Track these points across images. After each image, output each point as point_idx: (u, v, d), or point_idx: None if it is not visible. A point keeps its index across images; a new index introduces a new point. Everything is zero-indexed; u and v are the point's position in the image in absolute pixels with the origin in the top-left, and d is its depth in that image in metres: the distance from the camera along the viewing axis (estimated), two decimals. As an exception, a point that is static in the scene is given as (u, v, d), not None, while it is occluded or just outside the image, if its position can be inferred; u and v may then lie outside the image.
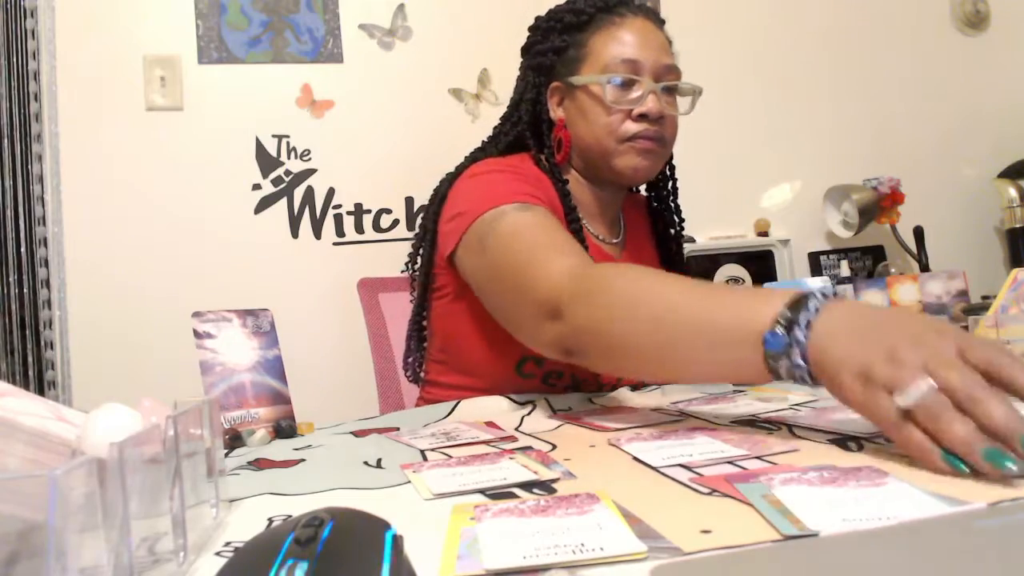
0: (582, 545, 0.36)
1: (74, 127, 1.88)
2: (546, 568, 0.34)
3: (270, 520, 0.47)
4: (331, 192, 2.04)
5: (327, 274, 2.00)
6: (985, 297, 1.75)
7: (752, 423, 0.66)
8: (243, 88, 1.99)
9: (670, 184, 1.13)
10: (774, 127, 2.35)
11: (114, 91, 1.91)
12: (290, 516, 0.44)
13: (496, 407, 0.89)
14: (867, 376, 0.49)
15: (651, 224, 1.18)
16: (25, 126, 1.84)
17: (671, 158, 1.10)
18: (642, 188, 1.17)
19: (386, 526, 0.31)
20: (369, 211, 2.06)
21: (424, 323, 1.07)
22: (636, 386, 1.00)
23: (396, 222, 2.08)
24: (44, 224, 1.84)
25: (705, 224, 2.21)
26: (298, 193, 2.02)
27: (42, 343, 1.82)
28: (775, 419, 0.67)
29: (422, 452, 0.66)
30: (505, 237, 0.84)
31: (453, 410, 0.90)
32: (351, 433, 0.81)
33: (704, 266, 2.15)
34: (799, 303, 0.55)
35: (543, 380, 0.96)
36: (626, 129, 0.96)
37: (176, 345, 1.70)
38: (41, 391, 1.77)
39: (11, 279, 1.80)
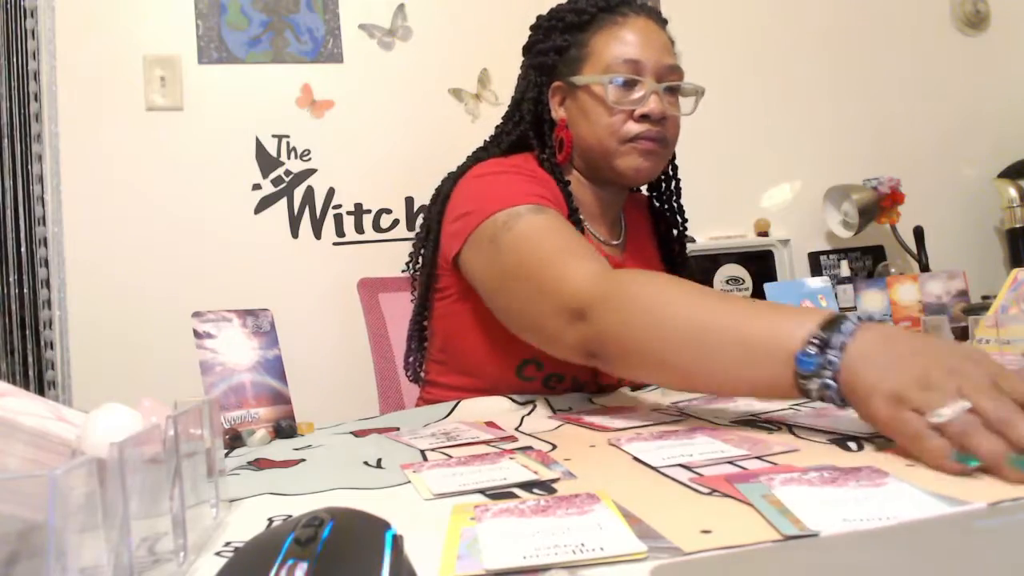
0: (582, 545, 0.36)
1: (74, 127, 1.88)
2: (546, 568, 0.34)
3: (270, 520, 0.47)
4: (331, 192, 2.04)
5: (327, 274, 2.00)
6: (985, 297, 1.75)
7: (752, 423, 0.66)
8: (243, 88, 2.00)
9: (672, 184, 1.12)
10: (774, 127, 2.35)
11: (114, 91, 1.91)
12: (290, 516, 0.44)
13: (496, 407, 0.89)
14: (899, 399, 0.49)
15: (652, 224, 1.17)
16: (25, 126, 1.84)
17: (673, 158, 1.09)
18: (643, 188, 1.17)
19: (386, 526, 0.31)
20: (369, 211, 2.06)
21: (425, 323, 1.07)
22: (636, 386, 1.00)
23: (396, 222, 2.08)
24: (44, 224, 1.84)
25: (705, 224, 2.21)
26: (298, 193, 2.02)
27: (42, 343, 1.82)
28: (775, 419, 0.67)
29: (422, 452, 0.66)
30: (522, 238, 0.84)
31: (453, 410, 0.90)
32: (351, 433, 0.81)
33: (704, 266, 2.15)
34: (833, 324, 0.56)
35: (543, 383, 0.96)
36: (628, 130, 0.96)
37: (176, 345, 1.70)
38: (41, 391, 1.77)
39: (11, 279, 1.80)
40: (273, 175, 2.01)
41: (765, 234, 2.27)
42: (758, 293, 2.09)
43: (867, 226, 2.22)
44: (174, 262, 1.91)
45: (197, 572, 0.38)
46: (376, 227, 2.06)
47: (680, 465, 0.52)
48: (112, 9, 1.92)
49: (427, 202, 1.07)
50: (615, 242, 1.08)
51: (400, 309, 1.40)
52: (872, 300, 1.71)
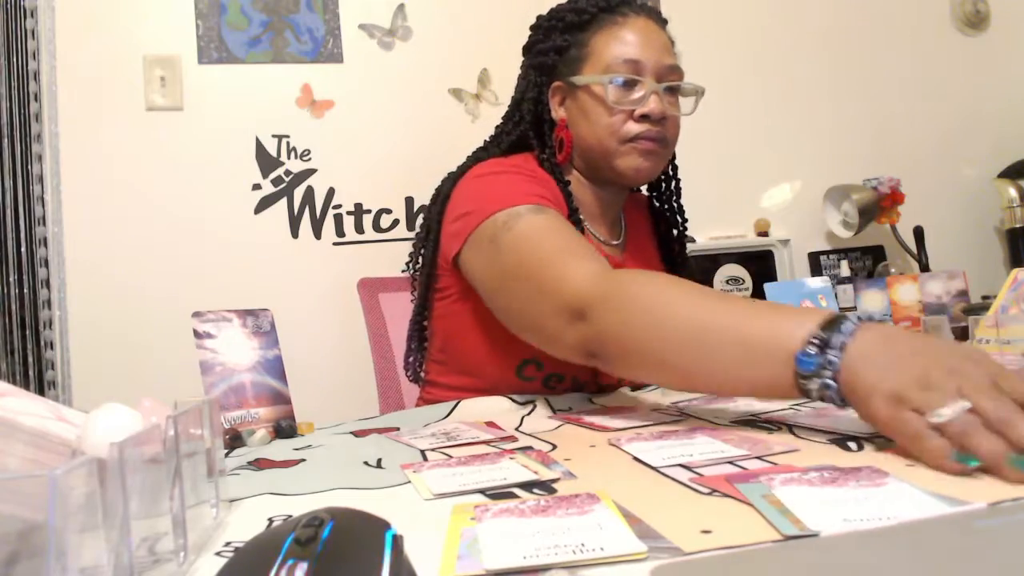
0: (582, 545, 0.36)
1: (74, 127, 1.88)
2: (546, 568, 0.34)
3: (270, 520, 0.47)
4: (331, 192, 2.04)
5: (327, 274, 2.00)
6: (985, 297, 1.75)
7: (752, 423, 0.66)
8: (243, 88, 2.00)
9: (672, 184, 1.12)
10: (774, 127, 2.35)
11: (114, 91, 1.91)
12: (290, 516, 0.44)
13: (496, 407, 0.89)
14: (899, 399, 0.49)
15: (652, 224, 1.17)
16: (25, 126, 1.84)
17: (673, 158, 1.09)
18: (643, 188, 1.17)
19: (386, 526, 0.31)
20: (369, 211, 2.06)
21: (425, 323, 1.07)
22: (636, 386, 1.00)
23: (396, 222, 2.08)
24: (44, 224, 1.84)
25: (705, 224, 2.21)
26: (298, 193, 2.02)
27: (42, 343, 1.82)
28: (775, 419, 0.67)
29: (422, 452, 0.66)
30: (522, 238, 0.84)
31: (453, 410, 0.90)
32: (351, 433, 0.81)
33: (704, 266, 2.15)
34: (833, 324, 0.56)
35: (543, 383, 0.96)
36: (628, 130, 0.96)
37: (176, 345, 1.70)
38: (41, 391, 1.77)
39: (11, 279, 1.80)
40: (273, 175, 2.01)
41: (765, 234, 2.27)
42: (758, 293, 2.09)
43: (867, 226, 2.22)
44: (174, 262, 1.91)
45: (197, 572, 0.38)
46: (376, 227, 2.06)
47: (680, 465, 0.52)
48: (112, 9, 1.92)
49: (427, 202, 1.07)
50: (615, 242, 1.08)
51: (400, 309, 1.40)
52: (872, 300, 1.71)
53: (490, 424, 0.78)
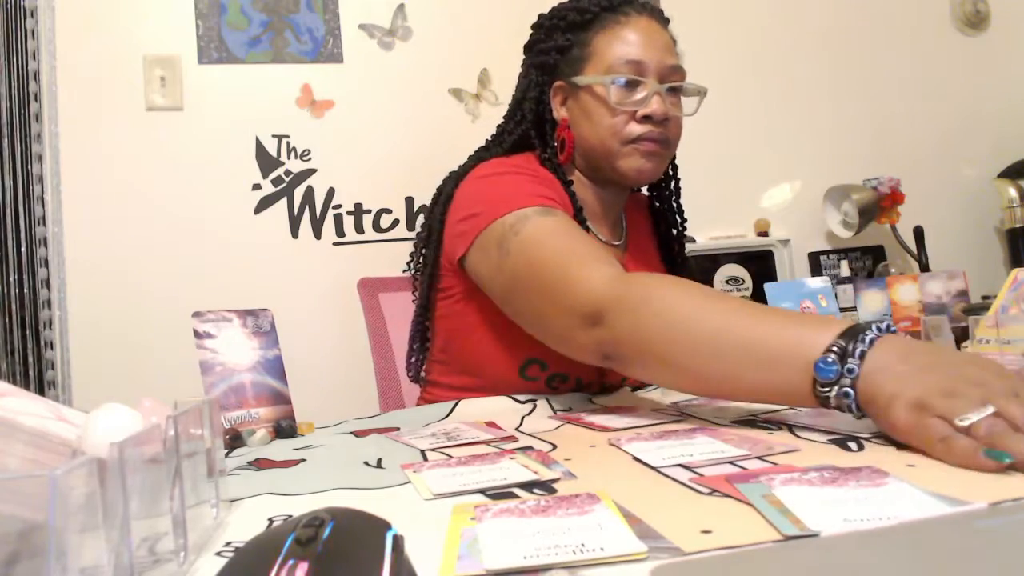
0: (582, 545, 0.36)
1: (74, 127, 1.88)
2: (546, 568, 0.34)
3: (270, 520, 0.47)
4: (331, 192, 2.04)
5: (327, 274, 2.00)
6: (985, 297, 1.75)
7: (752, 423, 0.66)
8: (243, 88, 1.99)
9: (673, 184, 1.12)
10: (774, 127, 2.35)
11: (114, 91, 1.91)
12: (290, 516, 0.44)
13: (496, 407, 0.89)
14: (922, 406, 0.50)
15: (653, 224, 1.17)
16: (25, 126, 1.84)
17: (674, 158, 1.09)
18: (644, 188, 1.17)
19: (386, 526, 0.31)
20: (369, 211, 2.06)
21: (427, 323, 1.07)
22: (637, 386, 1.00)
23: (396, 222, 2.08)
24: (44, 224, 1.84)
25: (705, 224, 2.21)
26: (298, 193, 2.02)
27: (42, 343, 1.81)
28: (775, 419, 0.67)
29: (422, 452, 0.66)
30: (532, 241, 0.84)
31: (453, 410, 0.90)
32: (351, 433, 0.81)
33: (704, 266, 2.15)
34: (853, 333, 0.56)
35: (547, 383, 0.96)
36: (630, 131, 0.96)
37: (176, 345, 1.70)
38: (41, 391, 1.77)
39: (11, 279, 1.80)
40: (273, 175, 2.00)
41: (765, 234, 2.27)
42: (758, 293, 2.09)
43: (867, 226, 2.22)
44: (174, 262, 1.91)
45: (197, 572, 0.38)
46: (376, 227, 2.06)
47: (680, 465, 0.52)
48: (112, 9, 1.92)
49: (427, 202, 1.07)
50: (616, 243, 1.08)
51: (400, 309, 1.40)
52: (872, 300, 1.71)
53: (490, 424, 0.78)
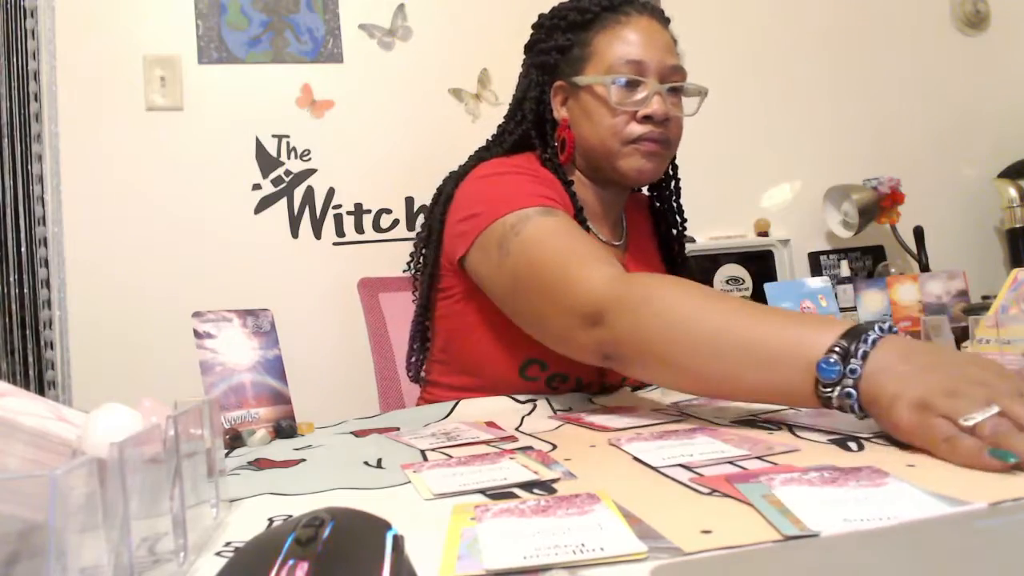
0: (582, 545, 0.36)
1: (74, 127, 1.88)
2: (547, 568, 0.34)
3: (270, 520, 0.47)
4: (331, 192, 2.04)
5: (327, 274, 2.00)
6: (985, 297, 1.75)
7: (752, 423, 0.66)
8: (243, 88, 1.99)
9: (673, 184, 1.12)
10: (774, 127, 2.35)
11: (114, 91, 1.91)
12: (290, 516, 0.44)
13: (496, 407, 0.89)
14: (925, 406, 0.50)
15: (653, 224, 1.17)
16: (25, 126, 1.84)
17: (674, 158, 1.09)
18: (644, 188, 1.16)
19: (386, 526, 0.31)
20: (369, 211, 2.06)
21: (427, 323, 1.07)
22: (637, 386, 1.00)
23: (396, 222, 2.08)
24: (44, 224, 1.84)
25: (705, 224, 2.21)
26: (298, 193, 2.02)
27: (42, 343, 1.81)
28: (775, 419, 0.67)
29: (422, 452, 0.66)
30: (533, 241, 0.84)
31: (453, 410, 0.90)
32: (351, 433, 0.81)
33: (704, 266, 2.15)
34: (855, 334, 0.56)
35: (547, 383, 0.96)
36: (631, 131, 0.96)
37: (176, 345, 1.70)
38: (41, 391, 1.77)
39: (11, 279, 1.80)
40: (273, 175, 2.00)
41: (765, 234, 2.27)
42: (758, 293, 2.09)
43: (867, 226, 2.22)
44: (174, 262, 1.91)
45: (197, 572, 0.38)
46: (376, 227, 2.06)
47: (680, 465, 0.52)
48: (112, 9, 1.92)
49: (427, 202, 1.07)
50: (617, 243, 1.07)
51: (400, 309, 1.40)
52: (872, 300, 1.71)
53: (490, 424, 0.78)
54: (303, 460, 0.66)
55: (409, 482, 0.54)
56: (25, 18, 1.85)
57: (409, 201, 2.08)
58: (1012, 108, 2.48)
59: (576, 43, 1.00)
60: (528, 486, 0.49)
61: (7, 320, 1.79)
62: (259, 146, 2.00)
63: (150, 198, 1.91)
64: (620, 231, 1.10)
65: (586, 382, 0.97)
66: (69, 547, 0.26)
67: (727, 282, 2.18)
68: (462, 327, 1.00)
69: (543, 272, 0.81)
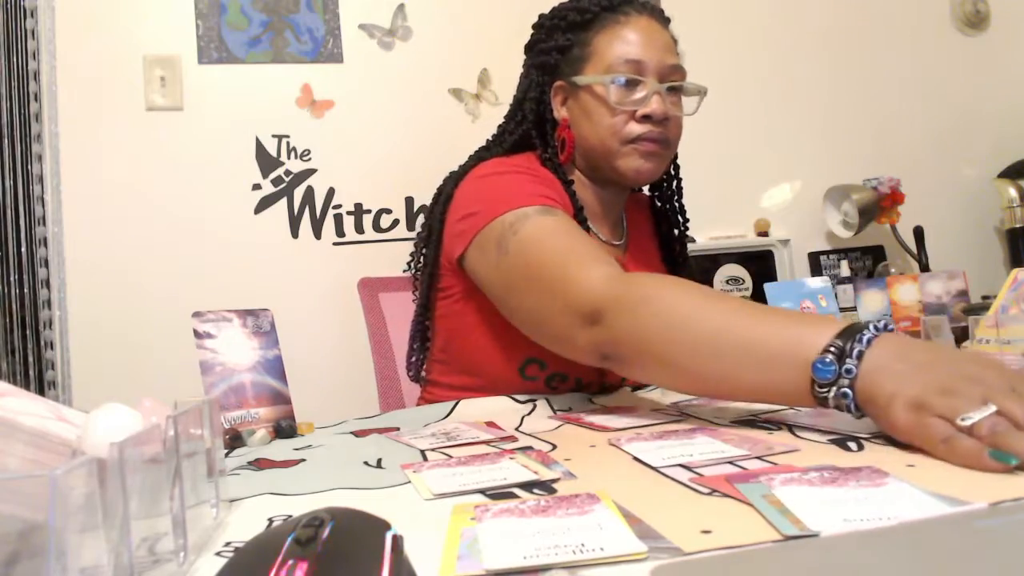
0: (582, 545, 0.36)
1: (74, 127, 1.88)
2: (546, 568, 0.34)
3: (270, 520, 0.47)
4: (331, 192, 2.04)
5: (327, 274, 2.00)
6: (985, 297, 1.75)
7: (752, 423, 0.66)
8: (243, 88, 1.99)
9: (674, 184, 1.12)
10: (774, 127, 2.35)
11: (114, 91, 1.91)
12: (290, 516, 0.44)
13: (496, 407, 0.89)
14: (921, 405, 0.50)
15: (654, 224, 1.17)
16: (25, 126, 1.84)
17: (675, 158, 1.09)
18: (645, 188, 1.16)
19: (386, 526, 0.31)
20: (369, 211, 2.06)
21: (427, 323, 1.07)
22: (637, 386, 1.00)
23: (396, 222, 2.08)
24: (44, 224, 1.84)
25: (705, 224, 2.21)
26: (298, 193, 2.02)
27: (42, 343, 1.82)
28: (775, 419, 0.67)
29: (422, 452, 0.66)
30: (531, 240, 0.84)
31: (453, 410, 0.90)
32: (351, 433, 0.81)
33: (704, 266, 2.15)
34: (851, 333, 0.56)
35: (546, 383, 0.96)
36: (630, 130, 0.96)
37: (176, 345, 1.70)
38: (41, 391, 1.77)
39: (11, 279, 1.80)
40: (273, 175, 2.00)
41: (765, 234, 2.27)
42: (758, 293, 2.09)
43: (867, 226, 2.22)
44: (174, 262, 1.91)
45: (197, 572, 0.38)
46: (376, 227, 2.06)
47: (680, 465, 0.52)
48: (112, 9, 1.92)
49: (427, 202, 1.07)
50: (617, 242, 1.07)
51: (400, 309, 1.40)
52: (872, 300, 1.71)
53: (490, 424, 0.78)
54: (303, 460, 0.66)
55: (409, 482, 0.54)
56: (25, 18, 1.85)
57: (409, 201, 2.08)
58: (1012, 108, 2.48)
59: (576, 43, 1.00)
60: (528, 486, 0.49)
61: (7, 320, 1.79)
62: (259, 146, 2.00)
63: (150, 198, 1.91)
64: (620, 231, 1.10)
65: (586, 382, 0.97)
66: (69, 547, 0.26)
67: (727, 282, 2.18)
68: (462, 327, 1.00)
69: (541, 271, 0.81)
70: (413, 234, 1.90)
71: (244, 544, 0.32)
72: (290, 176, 2.01)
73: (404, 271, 1.16)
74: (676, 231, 1.14)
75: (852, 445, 0.54)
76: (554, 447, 0.64)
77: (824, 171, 2.32)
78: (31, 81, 1.85)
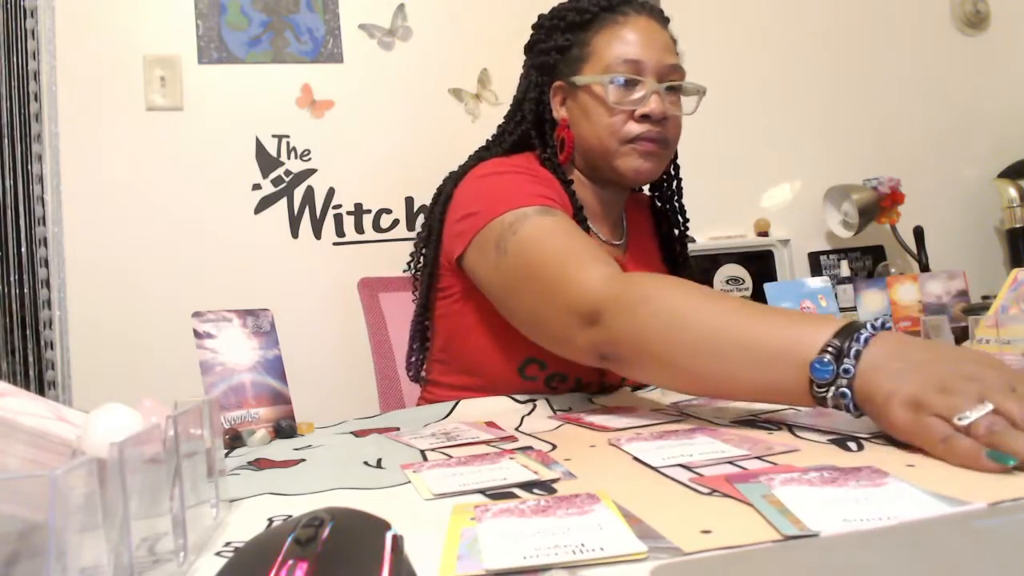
0: (582, 545, 0.36)
1: (74, 127, 1.88)
2: (546, 568, 0.34)
3: (270, 520, 0.47)
4: (331, 192, 2.04)
5: (327, 274, 2.00)
6: (985, 297, 1.75)
7: (752, 423, 0.66)
8: (243, 88, 2.00)
9: (674, 184, 1.12)
10: (774, 127, 2.35)
11: (114, 91, 1.91)
12: (290, 516, 0.44)
13: (496, 407, 0.89)
14: (918, 404, 0.50)
15: (654, 224, 1.17)
16: (25, 126, 1.84)
17: (675, 157, 1.09)
18: (645, 188, 1.16)
19: (386, 526, 0.31)
20: (369, 211, 2.06)
21: (427, 323, 1.07)
22: (637, 386, 1.00)
23: (396, 222, 2.08)
24: (44, 224, 1.84)
25: (705, 224, 2.21)
26: (298, 193, 2.02)
27: (42, 343, 1.82)
28: (775, 419, 0.67)
29: (422, 452, 0.66)
30: (530, 240, 0.84)
31: (453, 410, 0.90)
32: (351, 433, 0.81)
33: (704, 266, 2.15)
34: (848, 332, 0.56)
35: (545, 383, 0.96)
36: (628, 130, 0.96)
37: (176, 345, 1.70)
38: (41, 391, 1.77)
39: (11, 279, 1.80)
40: (273, 175, 2.01)
41: (765, 234, 2.27)
42: (758, 293, 2.09)
43: (867, 226, 2.22)
44: (174, 262, 1.91)
45: (197, 572, 0.38)
46: (376, 227, 2.06)
47: (680, 465, 0.52)
48: (112, 9, 1.92)
49: (427, 202, 1.07)
50: (617, 242, 1.07)
51: (400, 309, 1.40)
52: (872, 300, 1.71)
53: (490, 424, 0.78)
54: (303, 460, 0.66)
55: (409, 482, 0.54)
56: (25, 18, 1.85)
57: (409, 201, 2.08)
58: (1012, 108, 2.48)
59: (575, 43, 1.00)
60: (528, 486, 0.49)
61: (7, 320, 1.79)
62: (259, 146, 2.00)
63: (150, 198, 1.91)
64: (620, 231, 1.10)
65: (585, 382, 0.97)
66: (69, 547, 0.26)
67: (727, 282, 2.18)
68: (461, 327, 1.00)
69: (540, 272, 0.81)
70: (413, 234, 1.90)
71: (244, 544, 0.32)
72: (290, 176, 2.01)
73: (404, 271, 1.16)
74: (676, 231, 1.14)
75: (852, 445, 0.54)
76: (554, 447, 0.64)
77: (824, 171, 2.32)
78: (31, 81, 1.85)
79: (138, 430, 0.35)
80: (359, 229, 2.05)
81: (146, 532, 0.33)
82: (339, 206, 2.04)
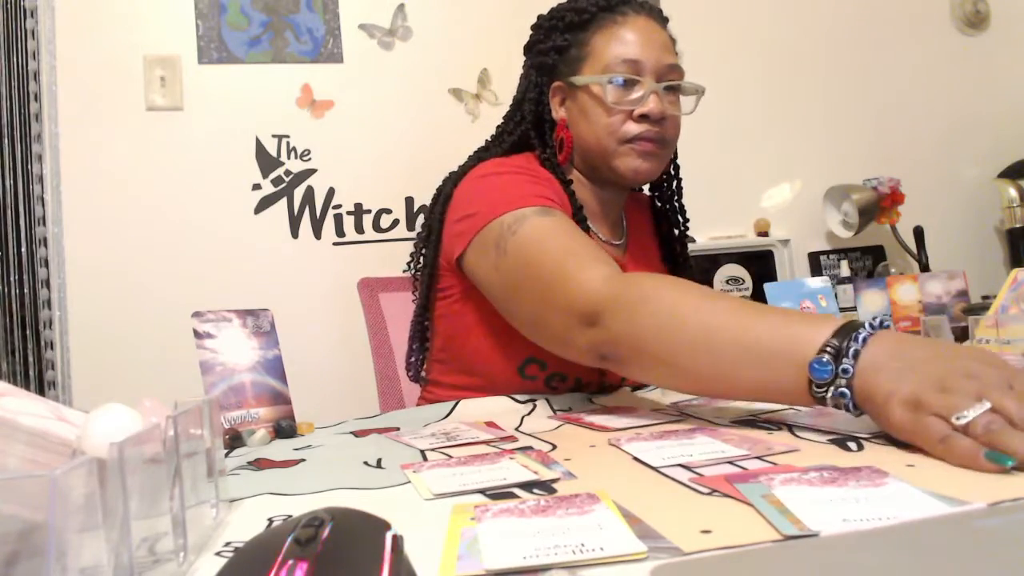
0: (582, 545, 0.36)
1: (74, 127, 1.88)
2: (546, 568, 0.34)
3: (270, 520, 0.47)
4: (331, 192, 2.04)
5: (327, 274, 2.00)
6: (985, 297, 1.75)
7: (752, 423, 0.66)
8: (243, 88, 2.00)
9: (674, 184, 1.12)
10: (774, 127, 2.35)
11: (114, 91, 1.91)
12: (290, 516, 0.44)
13: (496, 407, 0.89)
14: (917, 403, 0.50)
15: (654, 224, 1.17)
16: (25, 126, 1.84)
17: (675, 157, 1.09)
18: (645, 187, 1.16)
19: (386, 526, 0.31)
20: (369, 211, 2.06)
21: (426, 323, 1.07)
22: (637, 386, 1.00)
23: (396, 222, 2.08)
24: (44, 224, 1.84)
25: (705, 224, 2.21)
26: (298, 193, 2.02)
27: (42, 343, 1.82)
28: (775, 419, 0.67)
29: (422, 452, 0.66)
30: (529, 241, 0.84)
31: (453, 410, 0.90)
32: (351, 433, 0.81)
33: (704, 266, 2.15)
34: (847, 332, 0.56)
35: (546, 383, 0.96)
36: (627, 130, 0.96)
37: (176, 345, 1.70)
38: (41, 391, 1.77)
39: (11, 279, 1.80)
40: (273, 175, 2.01)
41: (765, 234, 2.27)
42: (758, 293, 2.09)
43: (867, 226, 2.22)
44: (174, 262, 1.91)
45: (197, 572, 0.38)
46: (376, 227, 2.07)
47: (680, 465, 0.52)
48: (112, 9, 1.92)
49: (427, 202, 1.07)
50: (617, 242, 1.07)
51: (400, 309, 1.40)
52: (872, 300, 1.71)
53: (490, 424, 0.78)
54: (303, 460, 0.66)
55: (409, 482, 0.54)
56: (25, 18, 1.85)
57: (409, 201, 2.09)
58: (1012, 108, 2.48)
59: (574, 43, 1.00)
60: (528, 486, 0.49)
61: (7, 320, 1.79)
62: (259, 146, 2.00)
63: (150, 198, 1.91)
64: (620, 231, 1.10)
65: (585, 382, 0.97)
66: (69, 547, 0.26)
67: (727, 282, 2.18)
68: (461, 327, 1.00)
69: (539, 272, 0.81)
70: (413, 234, 1.90)
71: (244, 544, 0.32)
72: (290, 176, 2.01)
73: (404, 271, 1.16)
74: (676, 231, 1.14)
75: (852, 445, 0.54)
76: (554, 447, 0.64)
77: (824, 171, 2.32)
78: (31, 81, 1.85)
79: (138, 430, 0.35)
80: (359, 229, 2.05)
81: (146, 532, 0.33)
82: (339, 206, 2.04)
